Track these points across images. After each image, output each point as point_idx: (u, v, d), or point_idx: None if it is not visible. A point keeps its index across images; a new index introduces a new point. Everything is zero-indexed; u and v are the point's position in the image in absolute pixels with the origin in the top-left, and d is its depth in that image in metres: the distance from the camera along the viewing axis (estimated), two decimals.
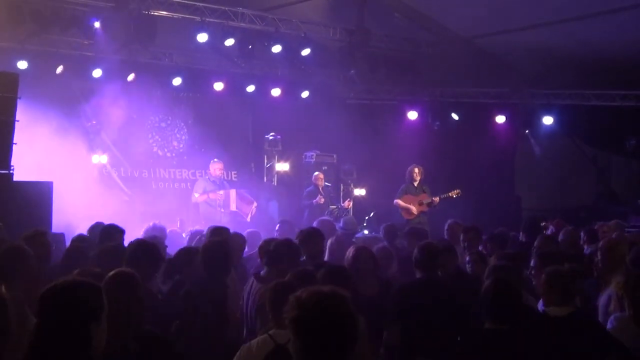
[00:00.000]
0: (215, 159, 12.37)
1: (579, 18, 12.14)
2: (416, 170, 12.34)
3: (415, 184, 12.38)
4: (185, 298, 5.29)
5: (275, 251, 5.67)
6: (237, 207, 12.23)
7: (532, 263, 5.85)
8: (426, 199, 12.27)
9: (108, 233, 6.81)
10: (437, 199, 12.24)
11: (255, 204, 12.63)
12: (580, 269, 6.05)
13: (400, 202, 12.28)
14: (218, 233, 6.98)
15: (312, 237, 6.60)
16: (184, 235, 10.37)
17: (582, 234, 8.36)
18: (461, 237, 7.63)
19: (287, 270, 5.00)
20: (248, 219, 12.20)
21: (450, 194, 12.24)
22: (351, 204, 13.88)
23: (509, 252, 6.70)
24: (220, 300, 5.37)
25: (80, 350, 2.83)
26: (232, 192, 12.22)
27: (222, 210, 11.96)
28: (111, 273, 3.86)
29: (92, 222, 10.27)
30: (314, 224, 8.38)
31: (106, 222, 7.74)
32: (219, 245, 5.72)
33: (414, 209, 12.17)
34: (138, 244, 5.45)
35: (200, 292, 5.32)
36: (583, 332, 4.48)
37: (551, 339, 4.36)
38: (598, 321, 4.87)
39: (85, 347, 2.83)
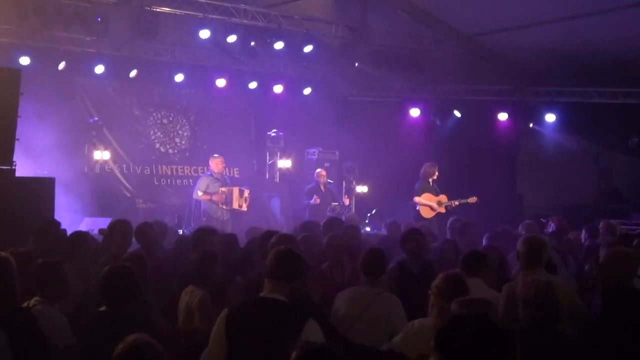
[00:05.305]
0: (216, 154, 12.36)
1: (582, 15, 12.12)
2: (435, 169, 12.17)
3: (431, 182, 12.23)
4: None
5: None
6: (238, 205, 12.21)
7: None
8: (445, 201, 12.11)
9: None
10: (456, 202, 12.09)
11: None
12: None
13: (421, 199, 12.05)
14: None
15: (412, 235, 6.71)
16: (180, 232, 10.40)
17: (583, 231, 8.36)
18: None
19: None
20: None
21: (468, 200, 12.12)
22: (349, 201, 13.82)
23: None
24: None
25: None
26: (235, 190, 12.22)
27: (224, 207, 11.98)
28: None
29: (94, 220, 10.34)
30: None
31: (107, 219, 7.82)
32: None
33: (435, 206, 12.04)
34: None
35: None
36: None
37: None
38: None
39: None
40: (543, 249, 5.37)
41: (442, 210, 12.00)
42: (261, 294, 4.16)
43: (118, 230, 6.74)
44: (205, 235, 6.79)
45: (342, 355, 2.95)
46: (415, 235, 6.77)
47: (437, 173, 12.15)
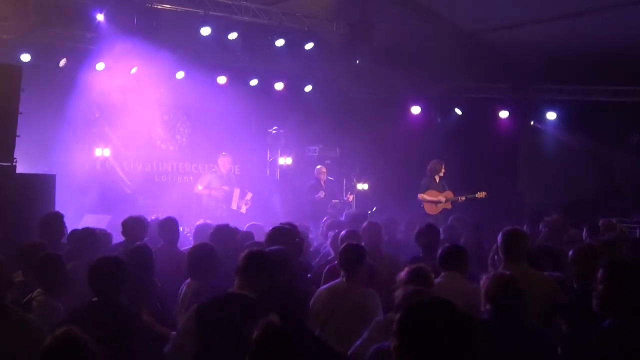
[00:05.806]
0: (224, 153, 12.32)
1: (582, 13, 12.10)
2: (442, 166, 12.17)
3: (437, 179, 12.22)
4: None
5: None
6: (237, 207, 12.21)
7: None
8: (451, 197, 12.10)
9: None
10: (463, 197, 12.08)
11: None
12: None
13: (425, 196, 12.05)
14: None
15: (427, 230, 6.92)
16: (181, 229, 10.40)
17: (584, 229, 8.35)
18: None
19: None
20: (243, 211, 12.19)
21: (477, 195, 12.09)
22: (352, 197, 13.81)
23: None
24: None
25: None
26: (237, 191, 12.20)
27: (224, 206, 11.97)
28: None
29: (95, 216, 10.33)
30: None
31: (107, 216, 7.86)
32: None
33: (440, 204, 12.03)
34: None
35: None
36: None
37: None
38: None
39: None
40: (521, 241, 5.34)
41: (448, 206, 12.02)
42: (229, 290, 4.34)
43: (129, 226, 7.03)
44: (226, 234, 6.80)
45: (299, 339, 3.02)
46: (429, 231, 6.90)
47: (443, 170, 12.18)
